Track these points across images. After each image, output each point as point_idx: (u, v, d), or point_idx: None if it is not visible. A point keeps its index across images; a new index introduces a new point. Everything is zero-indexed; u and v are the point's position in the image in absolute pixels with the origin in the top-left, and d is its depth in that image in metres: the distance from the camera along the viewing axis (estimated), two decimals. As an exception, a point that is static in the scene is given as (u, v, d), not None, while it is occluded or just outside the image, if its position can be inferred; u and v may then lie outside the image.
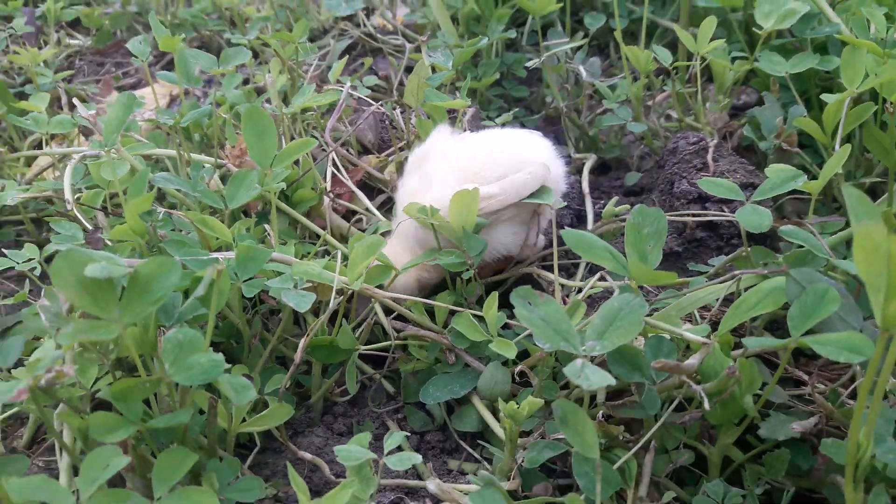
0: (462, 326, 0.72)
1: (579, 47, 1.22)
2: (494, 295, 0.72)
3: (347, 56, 1.30)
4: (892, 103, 0.78)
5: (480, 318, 0.73)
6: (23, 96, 1.28)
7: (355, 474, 0.57)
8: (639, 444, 0.60)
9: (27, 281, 0.88)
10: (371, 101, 1.07)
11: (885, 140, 0.80)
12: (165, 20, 1.55)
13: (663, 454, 0.64)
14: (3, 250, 0.84)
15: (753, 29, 0.98)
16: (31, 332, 0.74)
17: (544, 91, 1.25)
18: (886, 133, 0.80)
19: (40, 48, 1.51)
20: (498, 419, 0.70)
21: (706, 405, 0.56)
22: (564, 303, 0.78)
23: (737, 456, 0.64)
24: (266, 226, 0.82)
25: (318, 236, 0.89)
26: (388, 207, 0.99)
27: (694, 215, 0.87)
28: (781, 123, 0.95)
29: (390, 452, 0.61)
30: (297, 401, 0.76)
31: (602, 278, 0.80)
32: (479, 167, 0.78)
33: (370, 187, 1.02)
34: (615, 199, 0.92)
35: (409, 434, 0.74)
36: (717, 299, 0.69)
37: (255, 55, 1.38)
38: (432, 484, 0.61)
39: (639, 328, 0.56)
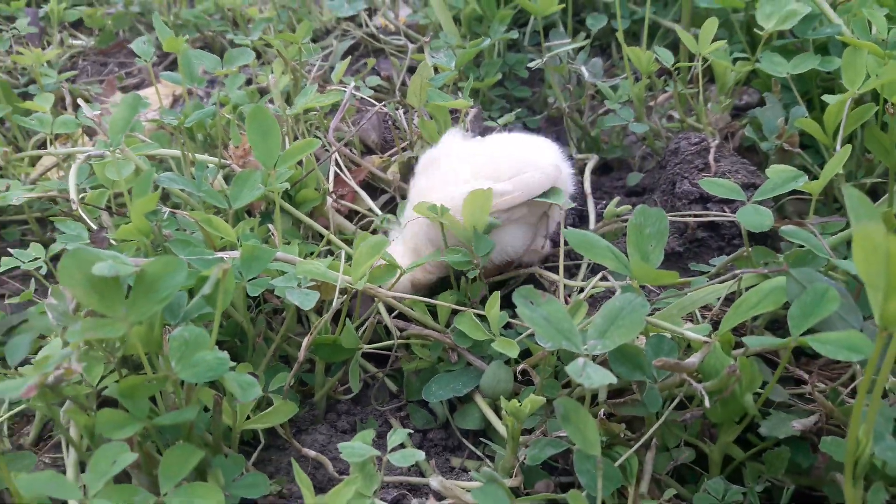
0: (465, 326, 0.72)
1: (581, 48, 1.22)
2: (496, 294, 0.72)
3: (350, 56, 1.31)
4: (892, 104, 0.78)
5: (483, 318, 0.73)
6: (27, 96, 1.29)
7: (359, 471, 0.58)
8: (640, 442, 0.61)
9: (32, 280, 0.88)
10: (374, 102, 1.08)
11: (886, 141, 0.81)
12: (168, 21, 1.56)
13: (664, 452, 0.64)
14: (9, 249, 0.84)
15: (755, 30, 0.99)
16: (37, 331, 0.74)
17: (546, 91, 1.26)
18: (887, 134, 0.81)
19: (44, 48, 1.51)
20: (500, 417, 0.70)
21: (707, 403, 0.56)
22: (566, 303, 0.78)
23: (737, 454, 0.64)
24: (270, 225, 0.82)
25: (322, 236, 0.90)
26: (390, 207, 0.99)
27: (695, 215, 0.87)
28: (783, 124, 0.96)
29: (393, 449, 0.61)
30: (300, 399, 0.77)
31: (604, 278, 0.80)
32: (492, 169, 0.79)
33: (373, 187, 1.02)
34: (617, 199, 0.93)
35: (411, 432, 0.75)
36: (718, 299, 0.70)
37: (258, 56, 1.38)
38: (435, 481, 0.61)
39: (640, 327, 0.57)
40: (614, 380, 0.53)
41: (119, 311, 0.52)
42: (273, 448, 0.73)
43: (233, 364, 0.55)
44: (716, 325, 0.67)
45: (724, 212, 0.86)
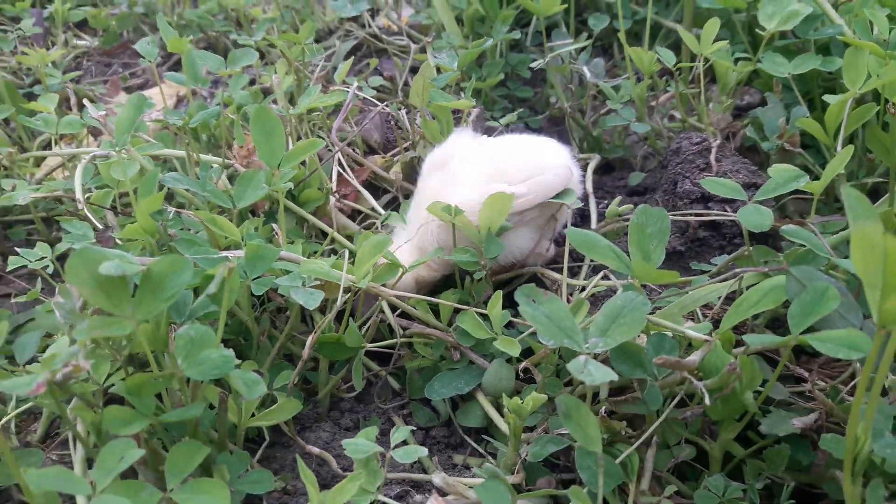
0: (467, 324, 0.73)
1: (583, 48, 1.23)
2: (499, 293, 0.73)
3: (353, 57, 1.31)
4: (893, 104, 0.78)
5: (485, 317, 0.74)
6: (32, 97, 1.30)
7: (363, 467, 0.58)
8: (641, 439, 0.61)
9: (39, 279, 0.89)
10: (376, 102, 1.08)
11: (887, 140, 0.81)
12: (172, 21, 1.56)
13: (665, 449, 0.65)
14: (16, 249, 0.85)
15: (757, 30, 0.99)
16: (44, 329, 0.75)
17: (548, 91, 1.26)
18: (888, 133, 0.81)
19: (48, 49, 1.52)
20: (502, 415, 0.71)
21: (707, 401, 0.57)
22: (568, 301, 0.79)
23: (737, 451, 0.65)
24: (273, 225, 0.83)
25: (325, 235, 0.90)
26: (393, 207, 1.00)
27: (697, 215, 0.88)
28: (784, 124, 0.96)
29: (397, 446, 0.62)
30: (304, 397, 0.77)
31: (606, 277, 0.81)
32: (505, 171, 0.79)
33: (375, 187, 1.03)
34: (618, 198, 0.93)
35: (414, 429, 0.75)
36: (719, 297, 0.70)
37: (262, 56, 1.39)
38: (438, 477, 0.62)
39: (641, 325, 0.57)
40: (615, 377, 0.54)
41: (126, 310, 0.52)
42: (277, 445, 0.73)
43: (238, 362, 0.55)
44: (716, 323, 0.67)
45: (726, 211, 0.86)
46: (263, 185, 0.79)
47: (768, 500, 0.64)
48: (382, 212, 0.96)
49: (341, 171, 0.99)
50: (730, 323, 0.61)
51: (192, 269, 0.54)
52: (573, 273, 0.91)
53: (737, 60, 1.03)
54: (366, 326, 0.77)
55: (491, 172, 0.79)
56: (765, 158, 1.00)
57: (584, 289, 0.81)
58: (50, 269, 0.84)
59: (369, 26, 1.47)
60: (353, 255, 0.73)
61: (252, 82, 1.27)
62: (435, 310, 0.78)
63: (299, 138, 1.02)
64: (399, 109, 1.10)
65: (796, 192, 0.74)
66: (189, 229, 0.80)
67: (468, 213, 0.75)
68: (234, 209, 0.79)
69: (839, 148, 0.79)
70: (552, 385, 0.70)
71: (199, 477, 0.56)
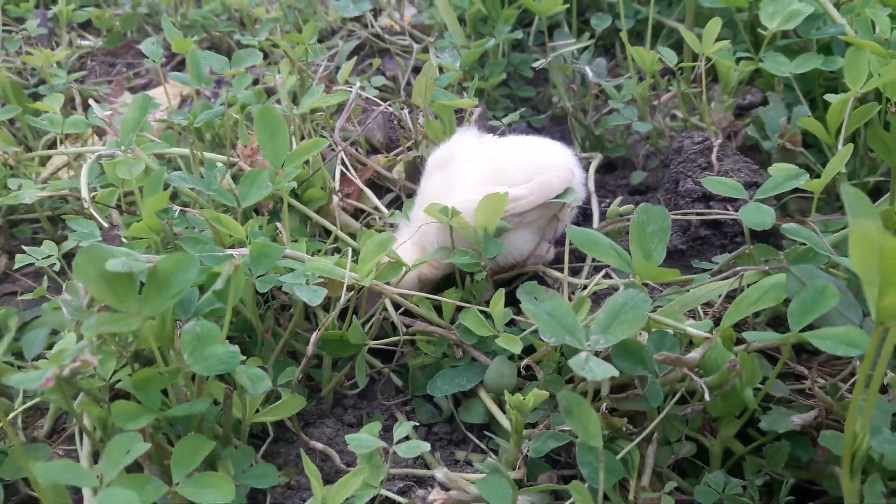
0: (469, 322, 0.73)
1: (585, 48, 1.23)
2: (501, 291, 0.73)
3: (355, 57, 1.32)
4: (894, 103, 0.79)
5: (487, 314, 0.74)
6: (37, 97, 1.31)
7: (366, 462, 0.59)
8: (641, 436, 0.62)
9: (45, 277, 0.90)
10: (379, 102, 1.09)
11: (888, 140, 0.81)
12: (176, 21, 1.57)
13: (665, 445, 0.65)
14: (23, 247, 0.86)
15: (758, 29, 0.99)
16: (50, 326, 0.76)
17: (551, 91, 1.27)
18: (890, 133, 0.81)
19: (53, 49, 1.53)
20: (504, 411, 0.71)
21: (708, 398, 0.57)
22: (570, 299, 0.79)
23: (738, 448, 0.65)
24: (278, 223, 0.83)
25: (328, 234, 0.91)
26: (396, 206, 1.01)
27: (698, 214, 0.88)
28: (785, 123, 0.96)
29: (399, 441, 0.62)
30: (308, 393, 0.78)
31: (607, 275, 0.81)
32: (506, 170, 0.79)
33: (378, 186, 1.04)
34: (620, 198, 0.94)
35: (417, 425, 0.76)
36: (720, 295, 0.71)
37: (265, 56, 1.40)
38: (440, 473, 0.62)
39: (642, 323, 0.58)
40: (616, 373, 0.54)
41: (132, 307, 0.53)
42: (281, 441, 0.74)
43: (243, 358, 0.56)
44: (717, 321, 0.68)
45: (727, 210, 0.86)
46: (267, 184, 0.80)
47: (768, 497, 0.64)
48: (385, 211, 0.96)
49: (344, 170, 1.00)
50: (730, 320, 0.61)
51: (198, 266, 0.55)
52: (575, 273, 0.91)
53: (738, 60, 1.04)
54: (369, 324, 0.78)
55: (491, 173, 0.80)
56: (766, 158, 1.01)
57: (585, 287, 0.81)
58: (56, 267, 0.85)
59: (372, 26, 1.48)
60: (356, 253, 0.73)
61: (255, 82, 1.28)
62: (438, 307, 0.79)
63: (303, 138, 1.02)
64: (402, 109, 1.10)
65: (798, 190, 0.74)
66: (194, 228, 0.81)
67: (467, 214, 0.75)
68: (239, 208, 0.80)
69: (840, 147, 0.79)
70: (554, 382, 0.70)
71: (204, 471, 0.56)
